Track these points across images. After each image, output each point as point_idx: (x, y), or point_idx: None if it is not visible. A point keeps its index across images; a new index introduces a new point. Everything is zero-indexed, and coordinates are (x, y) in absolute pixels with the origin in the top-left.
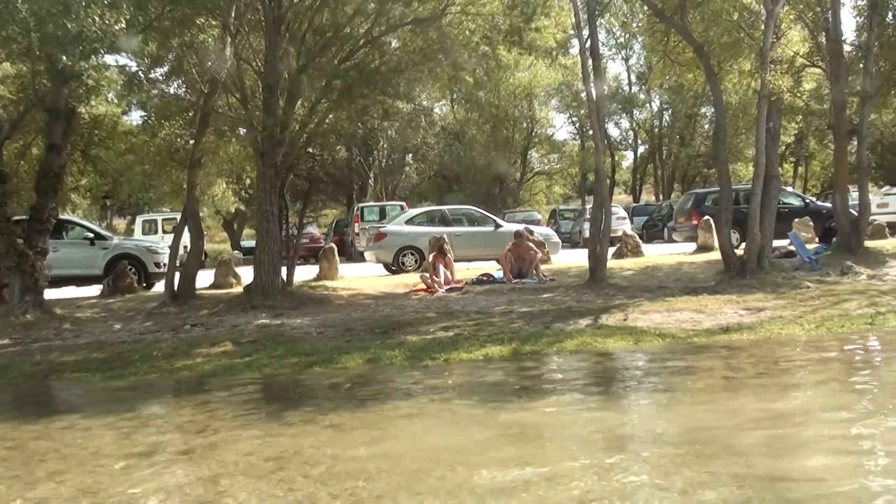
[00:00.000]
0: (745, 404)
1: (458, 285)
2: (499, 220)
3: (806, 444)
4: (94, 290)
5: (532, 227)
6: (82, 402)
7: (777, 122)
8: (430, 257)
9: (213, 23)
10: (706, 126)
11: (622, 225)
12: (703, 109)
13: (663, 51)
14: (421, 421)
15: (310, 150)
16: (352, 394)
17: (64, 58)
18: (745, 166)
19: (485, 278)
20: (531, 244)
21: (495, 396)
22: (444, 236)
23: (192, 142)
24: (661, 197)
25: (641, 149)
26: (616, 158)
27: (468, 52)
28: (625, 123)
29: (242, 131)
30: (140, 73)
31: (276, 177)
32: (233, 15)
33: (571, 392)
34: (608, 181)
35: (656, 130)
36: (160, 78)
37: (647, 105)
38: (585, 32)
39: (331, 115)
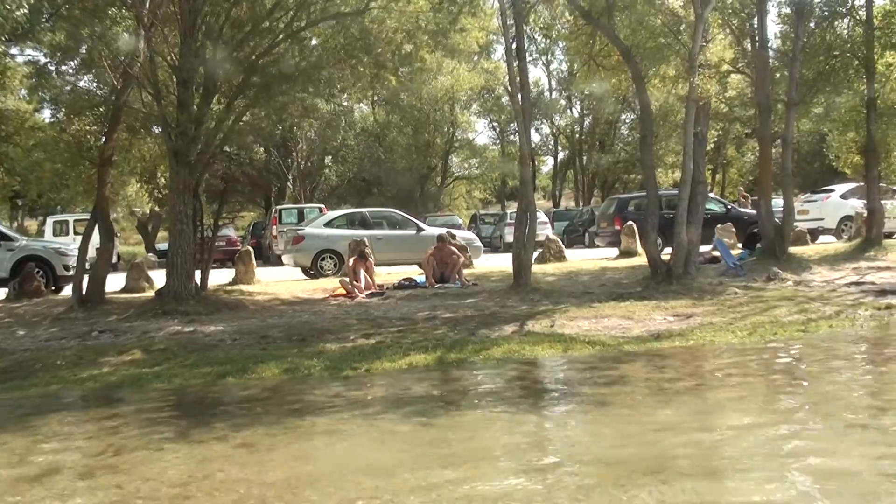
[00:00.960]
0: (680, 417)
1: (379, 290)
2: (420, 224)
3: (740, 461)
4: (1, 293)
5: (454, 232)
6: None
7: (705, 127)
8: (350, 261)
9: (126, 14)
10: (626, 132)
11: (544, 230)
12: (624, 116)
13: (588, 55)
14: (342, 439)
15: (226, 149)
16: (267, 408)
17: None
18: (664, 172)
19: (406, 283)
20: (454, 248)
21: (422, 410)
22: (365, 239)
23: (103, 139)
24: (580, 202)
25: (561, 154)
26: (536, 164)
27: (391, 51)
28: (545, 129)
29: (157, 129)
30: (49, 65)
31: (189, 176)
32: (147, 6)
33: (500, 404)
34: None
35: (577, 136)
36: (70, 71)
37: (568, 111)
38: (512, 33)
39: (248, 113)
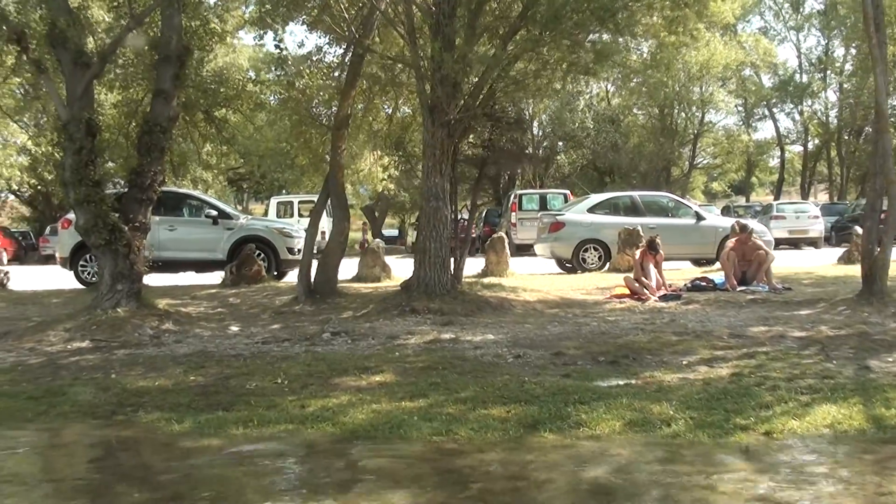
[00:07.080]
0: None
1: (674, 293)
2: (701, 211)
3: None
4: (217, 277)
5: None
6: (126, 499)
7: None
8: (638, 255)
9: None
10: None
11: (815, 225)
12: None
13: None
14: None
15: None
16: None
17: None
18: None
19: (703, 283)
20: (760, 242)
21: None
22: (639, 228)
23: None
24: (833, 196)
25: (810, 144)
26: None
27: None
28: (795, 115)
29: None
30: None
31: (448, 139)
32: None
33: None
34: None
35: (833, 123)
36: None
37: (822, 94)
38: None
39: (529, 56)
